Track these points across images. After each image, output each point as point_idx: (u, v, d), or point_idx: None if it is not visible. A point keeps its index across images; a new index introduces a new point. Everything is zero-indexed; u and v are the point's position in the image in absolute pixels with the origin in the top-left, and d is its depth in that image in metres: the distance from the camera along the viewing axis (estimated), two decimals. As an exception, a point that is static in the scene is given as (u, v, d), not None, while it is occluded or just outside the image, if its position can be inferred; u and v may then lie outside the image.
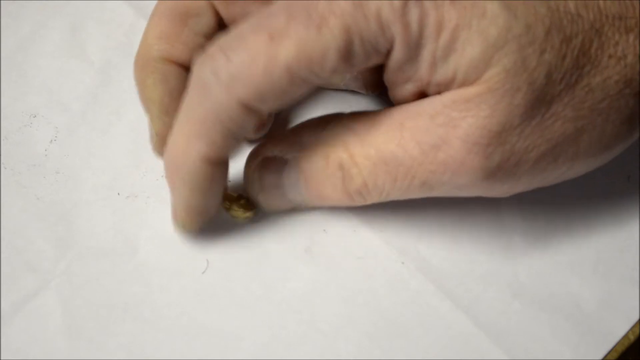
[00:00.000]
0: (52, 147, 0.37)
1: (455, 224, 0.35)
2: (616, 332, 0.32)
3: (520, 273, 0.34)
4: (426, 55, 0.28)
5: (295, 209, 0.34)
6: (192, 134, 0.30)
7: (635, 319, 0.32)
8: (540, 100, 0.27)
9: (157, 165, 0.37)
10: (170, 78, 0.33)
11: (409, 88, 0.30)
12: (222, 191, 0.32)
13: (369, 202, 0.32)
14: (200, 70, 0.29)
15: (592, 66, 0.28)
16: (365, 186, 0.31)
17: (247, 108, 0.29)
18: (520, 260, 0.34)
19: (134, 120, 0.38)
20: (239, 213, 0.34)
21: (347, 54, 0.28)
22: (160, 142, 0.34)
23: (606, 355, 0.32)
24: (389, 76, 0.30)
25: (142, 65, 0.34)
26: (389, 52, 0.28)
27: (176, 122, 0.30)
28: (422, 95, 0.30)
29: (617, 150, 0.30)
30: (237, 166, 0.34)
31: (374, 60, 0.29)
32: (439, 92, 0.29)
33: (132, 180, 0.36)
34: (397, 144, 0.29)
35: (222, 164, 0.31)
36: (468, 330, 0.32)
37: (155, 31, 0.34)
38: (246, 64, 0.28)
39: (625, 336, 0.32)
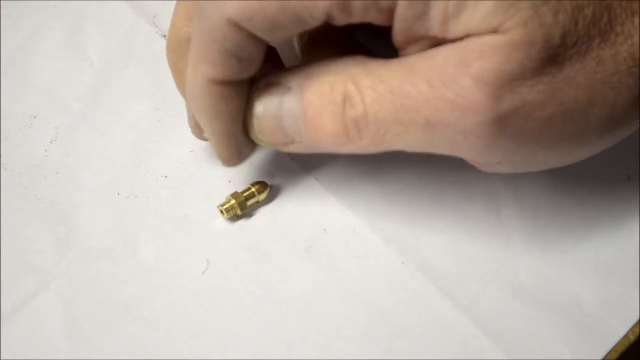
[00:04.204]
0: (52, 148, 0.37)
1: (455, 224, 0.35)
2: (616, 332, 0.32)
3: (520, 273, 0.34)
4: (436, 12, 0.28)
5: (286, 148, 0.32)
6: (196, 59, 0.30)
7: (635, 319, 0.32)
8: (553, 59, 0.27)
9: (157, 165, 0.37)
10: None
11: (422, 45, 0.29)
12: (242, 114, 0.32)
13: (364, 140, 0.30)
14: None
15: (601, 39, 0.28)
16: (365, 116, 0.29)
17: (239, 27, 0.29)
18: (520, 260, 0.34)
19: (134, 120, 0.38)
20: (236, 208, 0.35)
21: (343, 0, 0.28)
22: (199, 126, 0.34)
23: (606, 355, 0.32)
24: (397, 36, 0.29)
25: (173, 48, 0.34)
26: (391, 10, 0.28)
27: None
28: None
29: (624, 133, 0.30)
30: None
31: (373, 16, 0.28)
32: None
33: (132, 180, 0.36)
34: (406, 79, 0.28)
35: (232, 85, 0.31)
36: (468, 330, 0.32)
37: (183, 12, 0.34)
38: None
39: (625, 336, 0.32)
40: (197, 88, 0.31)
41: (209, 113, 0.31)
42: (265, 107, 0.31)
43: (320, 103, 0.30)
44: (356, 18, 0.28)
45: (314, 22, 0.29)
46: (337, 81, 0.30)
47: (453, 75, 0.28)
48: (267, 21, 0.28)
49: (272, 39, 0.30)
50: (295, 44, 0.35)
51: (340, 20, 0.28)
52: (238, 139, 0.33)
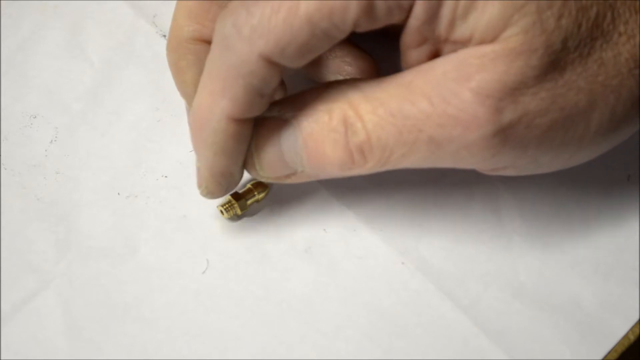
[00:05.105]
0: (52, 148, 0.37)
1: (455, 224, 0.35)
2: (616, 332, 0.32)
3: (520, 273, 0.34)
4: (446, 12, 0.28)
5: (289, 180, 0.32)
6: (215, 92, 0.29)
7: (635, 319, 0.32)
8: (554, 65, 0.27)
9: (157, 165, 0.37)
10: (203, 58, 0.32)
11: (424, 50, 0.29)
12: (245, 154, 0.32)
13: (369, 164, 0.30)
14: (222, 26, 0.29)
15: (604, 40, 0.28)
16: (368, 141, 0.29)
17: (269, 62, 0.28)
18: (520, 260, 0.34)
19: (134, 120, 0.38)
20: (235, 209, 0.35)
21: (369, 8, 0.27)
22: None
23: (606, 355, 0.32)
24: (406, 37, 0.29)
25: (174, 47, 0.34)
26: (410, 9, 0.28)
27: (200, 81, 0.30)
28: (436, 57, 0.29)
29: (625, 135, 0.30)
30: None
31: (396, 17, 0.28)
32: (454, 52, 0.28)
33: (132, 180, 0.36)
34: (405, 98, 0.28)
35: (246, 124, 0.31)
36: (468, 330, 0.32)
37: (184, 11, 0.34)
38: (267, 16, 0.28)
39: (625, 336, 0.32)
40: (212, 123, 0.30)
41: (217, 149, 0.31)
42: (264, 143, 0.31)
43: (321, 132, 0.30)
44: (380, 23, 0.28)
45: (343, 35, 0.28)
46: (335, 108, 0.30)
47: (453, 90, 0.28)
48: (299, 49, 0.28)
49: (300, 65, 0.29)
50: None
51: (365, 27, 0.28)
52: (232, 177, 0.32)
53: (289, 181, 0.32)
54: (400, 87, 0.29)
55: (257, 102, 0.30)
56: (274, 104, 0.31)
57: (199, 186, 0.33)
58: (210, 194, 0.33)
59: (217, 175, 0.32)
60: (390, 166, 0.30)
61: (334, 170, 0.30)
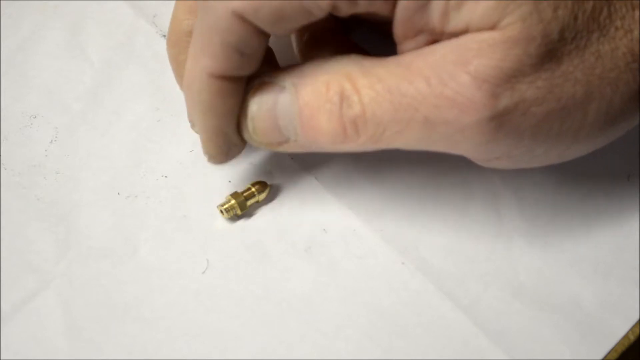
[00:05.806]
0: (52, 148, 0.37)
1: (455, 223, 0.35)
2: (616, 332, 0.32)
3: (520, 273, 0.34)
4: (437, 4, 0.28)
5: (280, 147, 0.32)
6: (196, 51, 0.30)
7: (635, 319, 0.32)
8: (551, 54, 0.27)
9: (157, 165, 0.37)
10: None
11: (420, 41, 0.29)
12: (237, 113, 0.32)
13: (361, 139, 0.30)
14: None
15: (601, 34, 0.28)
16: (362, 115, 0.29)
17: (243, 19, 0.29)
18: (520, 260, 0.34)
19: (134, 120, 0.38)
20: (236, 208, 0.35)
21: None
22: None
23: (606, 355, 0.32)
24: (398, 28, 0.29)
25: (174, 41, 0.34)
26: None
27: (189, 49, 0.31)
28: None
29: (622, 129, 0.30)
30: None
31: (378, 5, 0.28)
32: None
33: (132, 180, 0.36)
34: (403, 77, 0.29)
35: (230, 81, 0.31)
36: (468, 330, 0.32)
37: (185, 5, 0.34)
38: None
39: (625, 336, 0.32)
40: (196, 81, 0.31)
41: (204, 108, 0.31)
42: (259, 107, 0.31)
43: (317, 102, 0.30)
44: (362, 7, 0.28)
45: (320, 12, 0.28)
46: (333, 80, 0.30)
47: (451, 72, 0.28)
48: (273, 13, 0.28)
49: (276, 32, 0.29)
50: (295, 43, 0.35)
51: (345, 10, 0.28)
52: (228, 138, 0.33)
53: (281, 149, 0.32)
54: (399, 66, 0.29)
55: (237, 60, 0.30)
56: (271, 72, 0.32)
57: (204, 153, 0.34)
58: (212, 158, 0.34)
59: (212, 136, 0.32)
60: (383, 144, 0.30)
61: (326, 142, 0.31)
